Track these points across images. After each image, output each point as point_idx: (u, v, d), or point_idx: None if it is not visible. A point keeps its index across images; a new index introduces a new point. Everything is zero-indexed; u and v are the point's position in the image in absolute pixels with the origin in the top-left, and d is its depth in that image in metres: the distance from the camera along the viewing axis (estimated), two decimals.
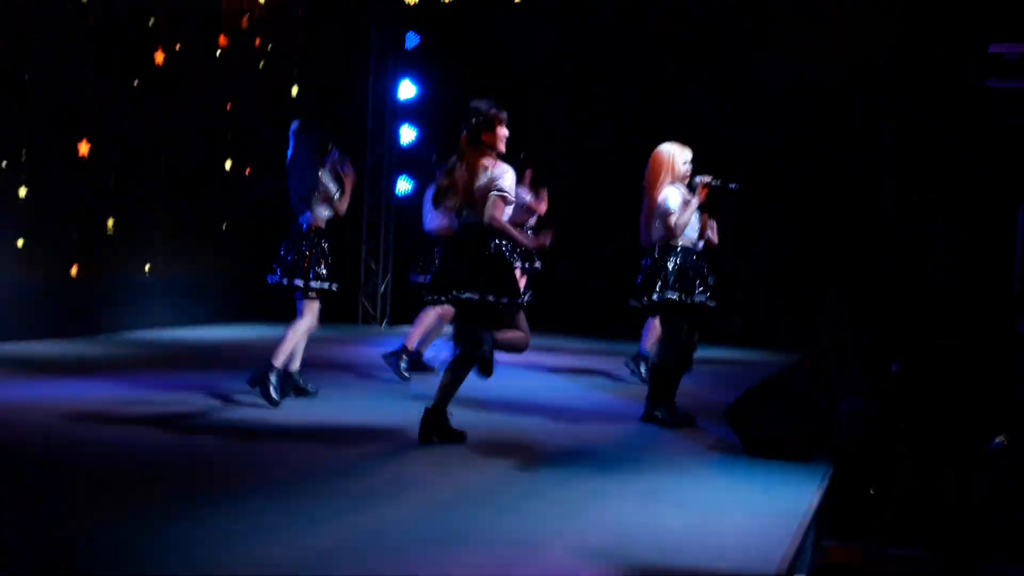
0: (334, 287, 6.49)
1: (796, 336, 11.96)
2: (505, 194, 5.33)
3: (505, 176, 5.34)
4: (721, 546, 3.89)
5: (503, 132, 5.43)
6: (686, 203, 6.22)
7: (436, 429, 5.40)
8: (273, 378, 6.16)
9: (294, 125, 6.65)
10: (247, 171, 11.33)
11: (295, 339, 6.38)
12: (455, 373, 5.44)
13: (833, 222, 11.75)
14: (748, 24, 11.82)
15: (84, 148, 9.16)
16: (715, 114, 12.02)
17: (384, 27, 12.05)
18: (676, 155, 6.34)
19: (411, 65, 12.44)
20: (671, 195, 6.25)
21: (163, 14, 9.99)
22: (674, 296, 6.15)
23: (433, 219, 7.77)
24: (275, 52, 11.72)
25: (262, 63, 11.56)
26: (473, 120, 5.37)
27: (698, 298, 6.21)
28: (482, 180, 5.34)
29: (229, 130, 11.14)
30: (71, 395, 6.35)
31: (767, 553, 3.81)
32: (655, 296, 6.17)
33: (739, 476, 5.05)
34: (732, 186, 6.41)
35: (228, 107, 11.10)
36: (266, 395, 6.15)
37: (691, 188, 6.28)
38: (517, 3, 12.07)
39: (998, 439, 5.50)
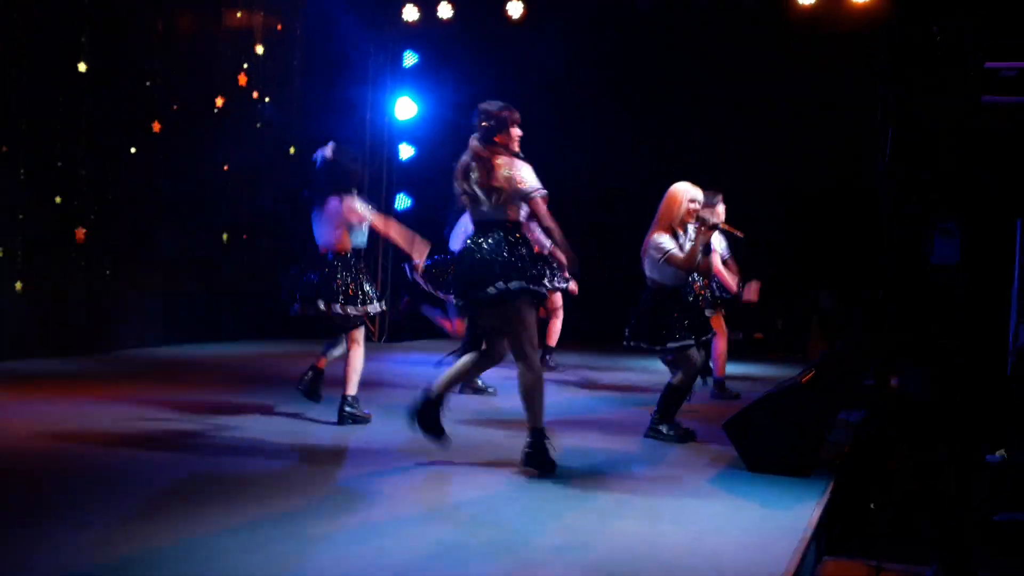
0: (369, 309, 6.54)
1: (793, 340, 12.04)
2: (545, 192, 5.22)
3: (523, 171, 5.23)
4: (721, 562, 3.89)
5: (516, 132, 5.34)
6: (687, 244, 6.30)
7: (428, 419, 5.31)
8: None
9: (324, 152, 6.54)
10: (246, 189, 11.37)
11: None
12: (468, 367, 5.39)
13: (833, 224, 11.82)
14: (751, 31, 11.89)
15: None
16: (714, 121, 12.09)
17: (382, 46, 12.10)
18: (684, 194, 6.34)
19: (409, 83, 12.49)
20: (664, 239, 6.28)
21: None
22: (690, 342, 6.21)
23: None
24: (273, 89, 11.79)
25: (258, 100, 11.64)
26: (484, 123, 5.29)
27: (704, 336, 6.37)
28: (501, 178, 5.19)
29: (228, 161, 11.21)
30: (65, 413, 6.35)
31: (767, 569, 3.81)
32: (671, 344, 6.19)
33: (739, 491, 5.04)
34: (738, 234, 6.47)
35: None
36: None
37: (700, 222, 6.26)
38: (515, 22, 12.11)
39: (998, 453, 5.50)
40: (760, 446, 5.45)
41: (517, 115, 5.36)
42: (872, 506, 5.14)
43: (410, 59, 12.71)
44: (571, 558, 3.89)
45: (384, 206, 12.16)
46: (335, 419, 6.36)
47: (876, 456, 6.18)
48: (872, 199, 10.95)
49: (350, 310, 6.36)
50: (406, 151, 12.67)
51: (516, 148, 5.34)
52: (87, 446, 5.45)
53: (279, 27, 11.89)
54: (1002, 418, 6.48)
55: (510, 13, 12.11)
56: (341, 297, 6.34)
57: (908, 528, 4.96)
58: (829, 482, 5.21)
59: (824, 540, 4.66)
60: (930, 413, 7.09)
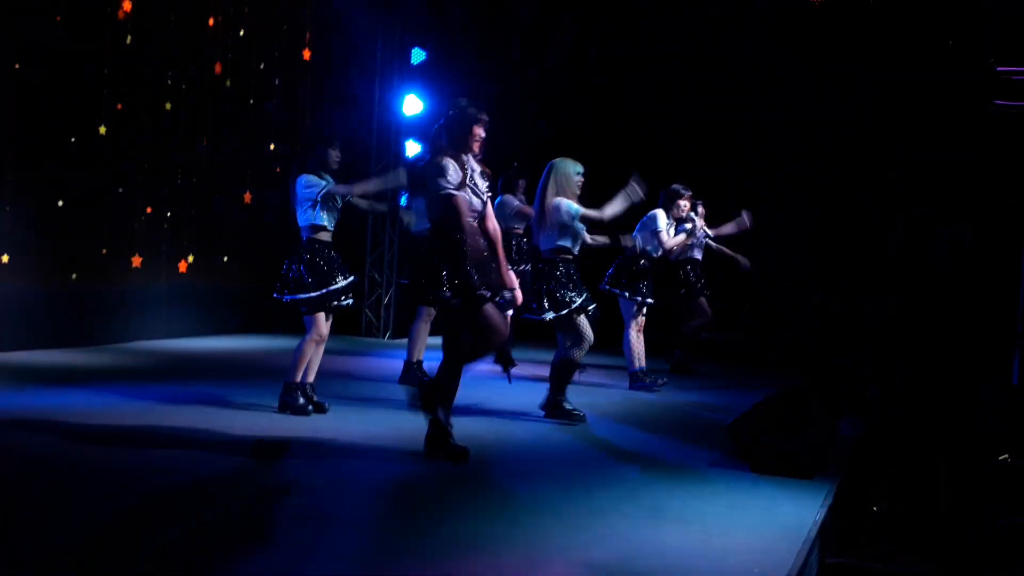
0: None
1: (797, 343, 12.04)
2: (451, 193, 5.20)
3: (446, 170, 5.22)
4: (724, 563, 3.88)
5: (479, 132, 5.32)
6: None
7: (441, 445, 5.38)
8: None
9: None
10: (247, 197, 11.39)
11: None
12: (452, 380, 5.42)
13: (840, 226, 11.83)
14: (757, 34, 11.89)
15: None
16: (722, 121, 12.08)
17: (390, 43, 12.09)
18: (572, 167, 6.79)
19: (417, 80, 12.48)
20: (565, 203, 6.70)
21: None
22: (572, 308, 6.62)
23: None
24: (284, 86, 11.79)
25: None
26: (448, 116, 5.30)
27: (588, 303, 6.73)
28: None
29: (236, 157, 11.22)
30: (69, 404, 6.35)
31: (770, 571, 3.81)
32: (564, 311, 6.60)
33: (742, 493, 5.04)
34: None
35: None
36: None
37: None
38: (525, 20, 12.12)
39: (1002, 457, 5.49)
40: (764, 448, 5.44)
41: (484, 116, 5.34)
42: (876, 509, 5.13)
43: (418, 56, 12.71)
44: (574, 558, 3.88)
45: (390, 202, 12.16)
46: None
47: (880, 459, 6.17)
48: (882, 201, 10.95)
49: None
50: (413, 148, 12.65)
51: (475, 148, 5.33)
52: (90, 442, 5.47)
53: (286, 24, 11.89)
54: (1006, 420, 6.47)
55: (519, 11, 12.11)
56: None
57: (912, 531, 4.95)
58: (833, 484, 5.20)
59: (828, 542, 4.65)
60: (934, 416, 7.09)
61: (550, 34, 12.35)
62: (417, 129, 12.46)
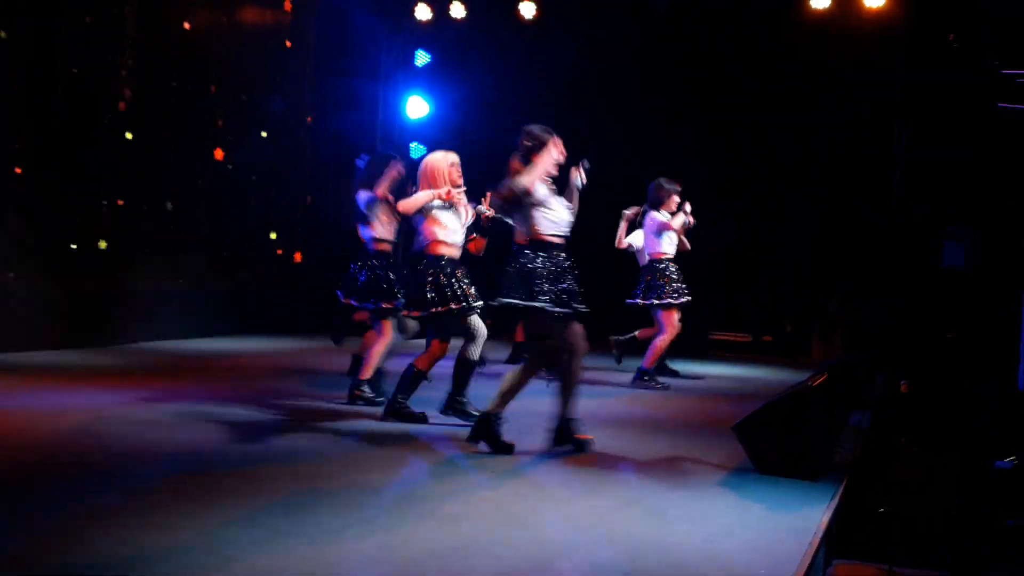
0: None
1: (801, 344, 12.04)
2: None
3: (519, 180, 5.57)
4: (730, 564, 3.87)
5: (554, 154, 5.66)
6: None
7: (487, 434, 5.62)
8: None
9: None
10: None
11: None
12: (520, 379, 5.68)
13: (845, 228, 11.82)
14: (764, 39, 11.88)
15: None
16: (726, 122, 12.08)
17: (394, 45, 12.11)
18: (444, 159, 6.63)
19: (421, 83, 12.50)
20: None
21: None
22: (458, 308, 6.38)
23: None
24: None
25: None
26: (526, 143, 5.65)
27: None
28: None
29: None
30: (84, 403, 6.37)
31: (777, 571, 3.80)
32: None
33: (749, 494, 5.03)
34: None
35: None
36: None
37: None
38: (528, 22, 12.12)
39: (1009, 459, 5.48)
40: (771, 448, 5.43)
41: (558, 139, 5.70)
42: (882, 509, 5.12)
43: (422, 58, 12.73)
44: (578, 558, 3.88)
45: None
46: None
47: (886, 459, 6.16)
48: (884, 203, 10.94)
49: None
50: (418, 150, 12.68)
51: (553, 170, 5.69)
52: (93, 436, 5.47)
53: (292, 26, 11.92)
54: (1013, 423, 6.46)
55: (523, 13, 12.13)
56: None
57: (918, 532, 4.94)
58: (839, 485, 5.19)
59: (834, 543, 4.65)
60: (940, 417, 7.08)
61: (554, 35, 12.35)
62: (421, 131, 12.48)
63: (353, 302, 7.12)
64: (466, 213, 6.69)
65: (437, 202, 6.43)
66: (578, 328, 5.74)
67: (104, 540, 3.72)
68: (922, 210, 10.10)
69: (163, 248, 10.26)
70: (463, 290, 6.33)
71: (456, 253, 6.51)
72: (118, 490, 4.49)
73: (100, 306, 9.51)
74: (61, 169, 8.97)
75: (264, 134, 11.51)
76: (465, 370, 6.47)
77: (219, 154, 10.88)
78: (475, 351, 6.45)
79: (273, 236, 11.75)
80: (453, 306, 6.28)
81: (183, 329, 10.45)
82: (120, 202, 9.63)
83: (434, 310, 6.29)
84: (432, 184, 6.50)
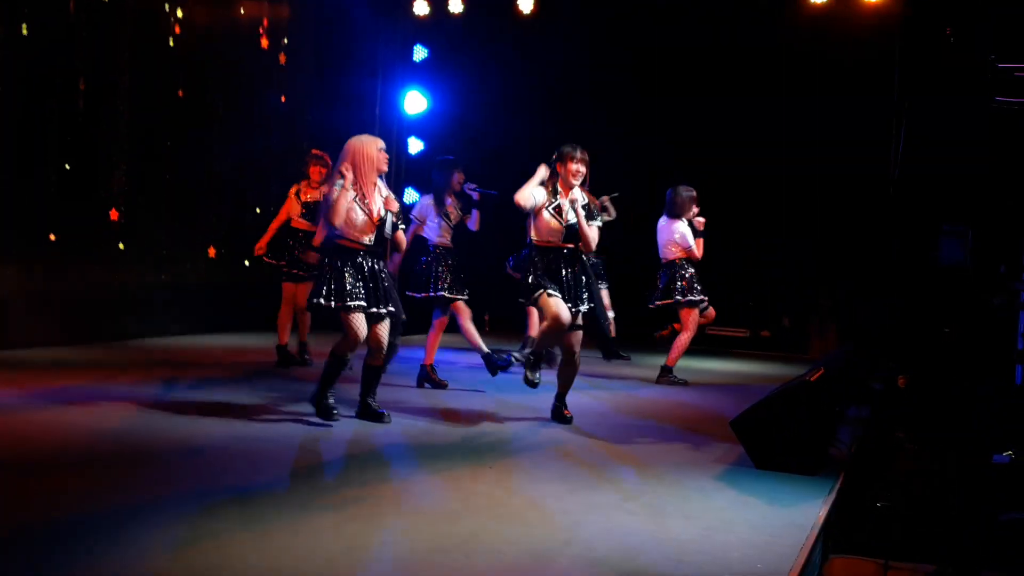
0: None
1: (800, 339, 12.04)
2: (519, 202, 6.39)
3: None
4: (727, 559, 3.89)
5: (572, 167, 6.43)
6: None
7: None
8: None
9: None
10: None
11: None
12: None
13: (843, 224, 11.82)
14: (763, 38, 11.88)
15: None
16: (726, 119, 12.08)
17: (392, 39, 12.11)
18: (373, 143, 6.27)
19: (419, 77, 12.49)
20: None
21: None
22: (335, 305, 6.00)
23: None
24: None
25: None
26: (554, 156, 6.42)
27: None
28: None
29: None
30: (89, 398, 6.38)
31: (774, 566, 3.81)
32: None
33: (746, 489, 5.04)
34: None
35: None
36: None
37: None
38: (526, 17, 12.11)
39: (1006, 453, 5.49)
40: (768, 443, 5.45)
41: (578, 153, 6.47)
42: (879, 504, 5.13)
43: (420, 53, 12.72)
44: (577, 553, 3.89)
45: None
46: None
47: (883, 454, 6.17)
48: (883, 199, 10.94)
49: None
50: (415, 145, 12.68)
51: (572, 181, 6.45)
52: (96, 434, 5.48)
53: (290, 20, 11.91)
54: (1010, 418, 6.48)
55: (521, 8, 12.12)
56: None
57: (915, 526, 4.95)
58: (836, 480, 5.21)
59: (831, 537, 4.66)
60: (938, 412, 7.08)
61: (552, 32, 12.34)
62: (420, 126, 12.47)
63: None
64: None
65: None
66: (578, 335, 6.46)
67: (92, 528, 3.73)
68: (919, 206, 10.10)
69: (163, 245, 10.26)
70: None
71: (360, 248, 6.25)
72: (113, 489, 4.48)
73: (100, 304, 9.51)
74: (60, 167, 8.97)
75: (262, 130, 11.51)
76: (367, 374, 6.23)
77: (217, 150, 10.88)
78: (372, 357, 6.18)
79: None
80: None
81: (186, 326, 10.47)
82: (120, 199, 9.63)
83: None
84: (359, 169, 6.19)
